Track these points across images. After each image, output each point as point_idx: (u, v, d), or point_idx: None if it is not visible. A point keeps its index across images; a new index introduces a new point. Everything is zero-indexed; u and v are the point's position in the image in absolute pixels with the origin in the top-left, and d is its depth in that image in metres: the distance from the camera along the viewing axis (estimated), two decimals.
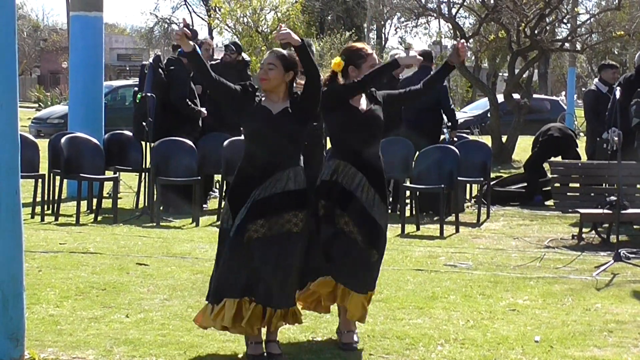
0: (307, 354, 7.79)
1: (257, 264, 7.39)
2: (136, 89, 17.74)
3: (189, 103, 16.29)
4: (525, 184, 18.60)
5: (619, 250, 12.28)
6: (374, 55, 7.98)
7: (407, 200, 16.15)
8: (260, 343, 7.54)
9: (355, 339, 8.04)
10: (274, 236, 7.40)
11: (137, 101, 16.78)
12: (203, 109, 16.54)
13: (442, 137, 18.21)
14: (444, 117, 17.72)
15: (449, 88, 57.00)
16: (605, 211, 13.26)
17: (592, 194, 14.61)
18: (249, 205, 7.41)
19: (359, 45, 8.07)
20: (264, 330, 7.63)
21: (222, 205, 7.57)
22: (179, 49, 17.41)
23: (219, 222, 15.06)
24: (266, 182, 7.44)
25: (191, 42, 7.57)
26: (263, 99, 7.70)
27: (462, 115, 44.78)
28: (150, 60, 17.56)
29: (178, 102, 16.19)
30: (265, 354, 7.52)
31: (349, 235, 7.85)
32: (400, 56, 7.74)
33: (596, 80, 18.65)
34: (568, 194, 14.86)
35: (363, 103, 8.01)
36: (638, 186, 14.64)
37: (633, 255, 12.59)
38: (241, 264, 7.44)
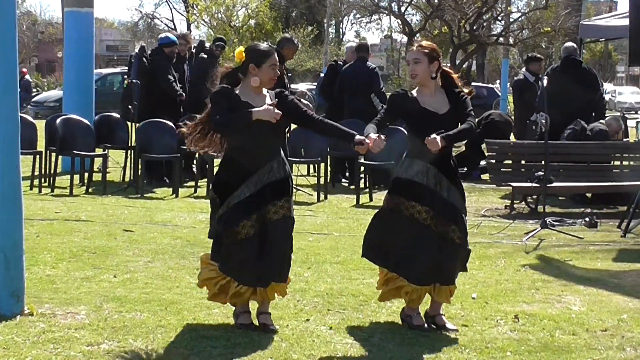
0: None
1: (248, 255, 7.09)
2: (125, 76, 17.81)
3: (174, 85, 16.28)
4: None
5: (545, 219, 12.35)
6: (274, 56, 7.33)
7: (362, 175, 16.17)
8: (248, 313, 7.34)
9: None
10: (259, 230, 7.09)
11: (125, 86, 16.79)
12: (182, 93, 16.54)
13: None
14: (375, 101, 17.49)
15: (399, 77, 57.07)
16: (534, 184, 13.33)
17: (523, 170, 14.69)
18: (233, 204, 7.08)
19: (263, 46, 7.49)
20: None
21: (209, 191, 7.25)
22: (161, 39, 17.42)
23: (196, 194, 15.06)
24: (254, 177, 7.11)
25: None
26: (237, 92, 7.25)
27: None
28: (136, 51, 17.59)
29: (165, 84, 16.20)
30: (252, 324, 7.31)
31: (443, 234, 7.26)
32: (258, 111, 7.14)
33: (524, 70, 18.74)
34: (502, 170, 14.92)
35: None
36: (562, 163, 14.71)
37: (557, 223, 12.68)
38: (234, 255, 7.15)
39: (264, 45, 7.50)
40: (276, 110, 6.95)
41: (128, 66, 17.92)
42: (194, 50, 18.35)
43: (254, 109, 6.94)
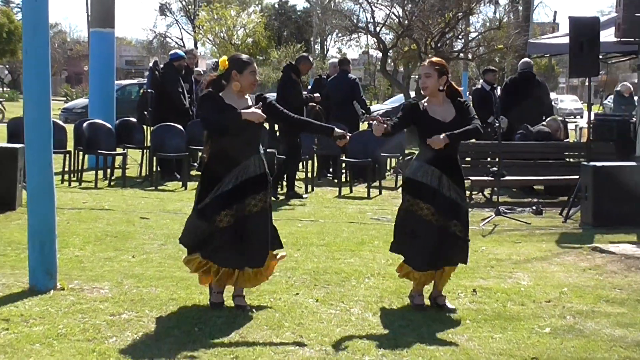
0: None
1: (226, 241, 6.89)
2: (144, 86, 17.97)
3: (180, 94, 16.30)
4: None
5: (499, 207, 12.38)
6: (254, 65, 7.19)
7: (343, 171, 16.19)
8: (221, 293, 7.15)
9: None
10: (238, 220, 6.88)
11: (140, 95, 16.85)
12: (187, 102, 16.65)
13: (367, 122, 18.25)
14: (357, 107, 17.55)
15: (375, 86, 56.92)
16: (489, 178, 13.35)
17: (480, 166, 14.70)
18: (217, 195, 6.88)
19: (244, 56, 7.24)
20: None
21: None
22: (171, 55, 17.43)
23: None
24: (234, 171, 6.89)
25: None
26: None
27: (384, 106, 44.84)
28: (151, 65, 17.64)
29: (173, 93, 16.22)
30: (224, 302, 7.13)
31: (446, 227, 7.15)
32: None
33: (482, 81, 18.80)
34: (462, 166, 14.91)
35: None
36: (513, 160, 14.74)
37: (509, 211, 12.72)
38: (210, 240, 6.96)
39: (244, 55, 7.31)
40: (261, 113, 6.90)
41: (147, 78, 18.03)
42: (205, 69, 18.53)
43: (243, 111, 6.84)
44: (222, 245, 6.89)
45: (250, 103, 7.07)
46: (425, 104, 7.28)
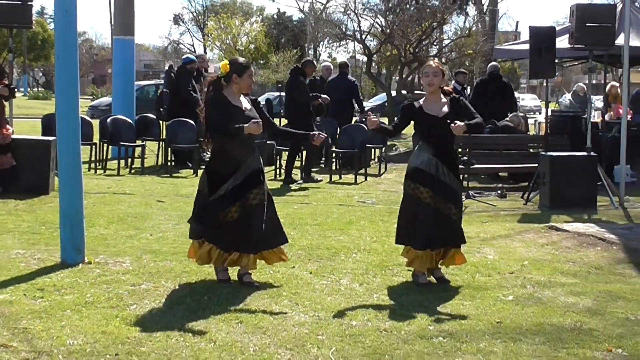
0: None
1: (230, 230, 6.76)
2: (162, 87, 18.10)
3: (191, 93, 16.26)
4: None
5: (469, 191, 12.40)
6: (251, 68, 7.10)
7: (334, 160, 16.18)
8: (227, 271, 7.01)
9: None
10: (242, 212, 6.75)
11: (158, 95, 16.89)
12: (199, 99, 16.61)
13: (354, 118, 18.31)
14: (355, 105, 17.75)
15: (360, 86, 56.96)
16: (460, 166, 13.33)
17: None
18: (224, 193, 6.71)
19: (243, 60, 7.09)
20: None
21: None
22: (184, 59, 17.43)
23: None
24: (240, 169, 6.75)
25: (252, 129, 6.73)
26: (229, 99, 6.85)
27: (368, 104, 44.86)
28: (166, 68, 17.67)
29: (184, 93, 16.18)
30: (230, 278, 6.99)
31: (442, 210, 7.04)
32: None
33: (453, 82, 18.80)
34: None
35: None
36: (482, 150, 14.74)
37: (477, 195, 12.73)
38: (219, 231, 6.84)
39: (243, 59, 7.16)
40: (260, 124, 6.75)
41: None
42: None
43: (245, 125, 6.64)
44: (227, 233, 6.80)
45: (247, 104, 6.93)
46: (421, 103, 7.25)
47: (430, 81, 7.18)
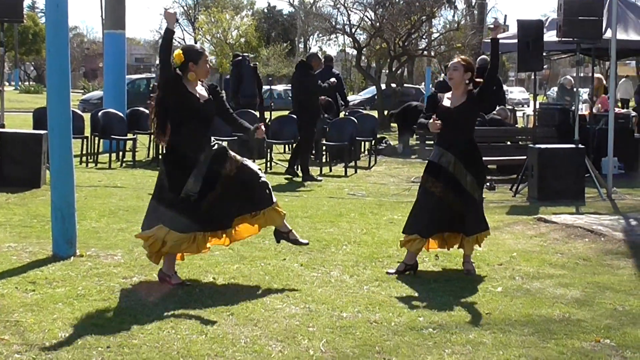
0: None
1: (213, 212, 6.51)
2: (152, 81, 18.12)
3: None
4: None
5: None
6: (206, 53, 6.73)
7: (324, 152, 16.17)
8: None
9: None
10: (215, 196, 6.44)
11: (150, 88, 16.86)
12: None
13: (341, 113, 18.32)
14: (339, 97, 17.79)
15: (351, 80, 56.82)
16: None
17: None
18: (198, 179, 6.41)
19: (197, 46, 6.77)
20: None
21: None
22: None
23: None
24: (201, 156, 6.44)
25: (175, 26, 6.55)
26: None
27: (358, 97, 44.97)
28: (157, 62, 17.71)
29: None
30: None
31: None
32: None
33: (443, 75, 18.83)
34: (426, 148, 14.92)
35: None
36: None
37: None
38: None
39: (197, 45, 6.81)
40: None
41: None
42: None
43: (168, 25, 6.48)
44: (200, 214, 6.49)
45: (203, 91, 6.63)
46: (446, 95, 7.29)
47: (450, 75, 7.26)
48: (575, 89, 14.42)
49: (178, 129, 6.53)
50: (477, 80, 7.28)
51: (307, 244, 7.19)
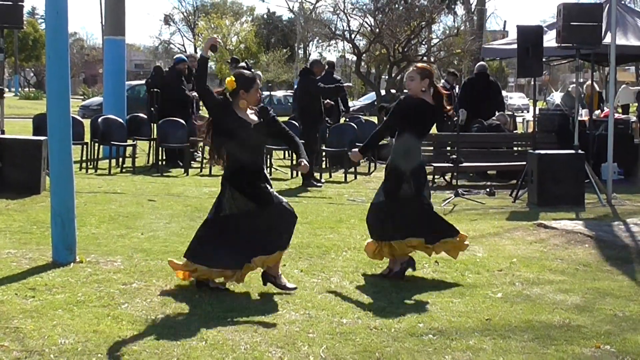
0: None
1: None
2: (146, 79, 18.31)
3: (184, 89, 16.30)
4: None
5: (458, 190, 12.41)
6: (258, 81, 6.83)
7: (324, 159, 16.18)
8: None
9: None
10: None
11: (149, 94, 16.97)
12: (194, 93, 16.67)
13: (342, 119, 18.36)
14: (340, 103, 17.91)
15: (350, 86, 56.90)
16: (449, 164, 13.37)
17: (441, 154, 14.71)
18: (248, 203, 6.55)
19: (248, 74, 6.74)
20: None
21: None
22: (175, 59, 17.44)
23: (201, 173, 15.01)
24: (255, 181, 6.58)
25: (210, 52, 6.66)
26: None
27: (358, 103, 45.04)
28: (153, 67, 17.74)
29: (178, 92, 16.22)
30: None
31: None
32: None
33: (443, 80, 18.82)
34: (425, 154, 14.90)
35: None
36: (470, 149, 14.76)
37: (466, 193, 12.74)
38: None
39: (248, 73, 6.84)
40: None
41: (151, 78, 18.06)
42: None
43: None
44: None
45: (254, 117, 6.63)
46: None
47: (407, 85, 7.30)
48: (581, 94, 14.42)
49: (232, 153, 6.58)
50: (439, 87, 7.29)
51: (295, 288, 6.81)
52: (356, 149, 7.55)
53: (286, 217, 6.69)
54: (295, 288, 6.69)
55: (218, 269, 6.52)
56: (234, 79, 6.58)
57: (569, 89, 20.50)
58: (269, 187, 6.69)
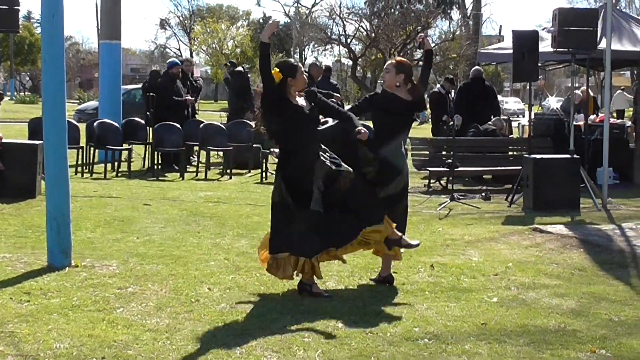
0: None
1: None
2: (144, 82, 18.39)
3: (174, 97, 16.36)
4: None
5: (453, 194, 12.41)
6: (300, 65, 6.91)
7: None
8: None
9: None
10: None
11: (145, 98, 17.03)
12: (189, 97, 16.62)
13: None
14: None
15: (346, 90, 56.96)
16: (445, 169, 13.37)
17: (437, 158, 14.71)
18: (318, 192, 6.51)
19: (291, 61, 6.92)
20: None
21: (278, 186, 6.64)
22: (169, 63, 17.47)
23: (197, 177, 15.00)
24: (316, 167, 6.54)
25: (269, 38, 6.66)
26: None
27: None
28: (150, 71, 17.76)
29: (167, 99, 16.25)
30: None
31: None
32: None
33: (438, 85, 18.84)
34: (421, 158, 14.92)
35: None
36: (465, 153, 14.77)
37: (462, 197, 12.74)
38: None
39: (290, 60, 6.98)
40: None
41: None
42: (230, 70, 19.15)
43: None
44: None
45: (304, 102, 6.71)
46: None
47: (382, 77, 7.39)
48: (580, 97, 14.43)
49: (290, 142, 6.62)
50: (416, 83, 7.24)
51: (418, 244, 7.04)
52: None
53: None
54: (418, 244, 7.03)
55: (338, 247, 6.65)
56: (278, 69, 6.62)
57: (571, 97, 20.53)
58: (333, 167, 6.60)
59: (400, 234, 6.88)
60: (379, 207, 6.76)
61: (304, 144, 6.59)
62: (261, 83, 6.76)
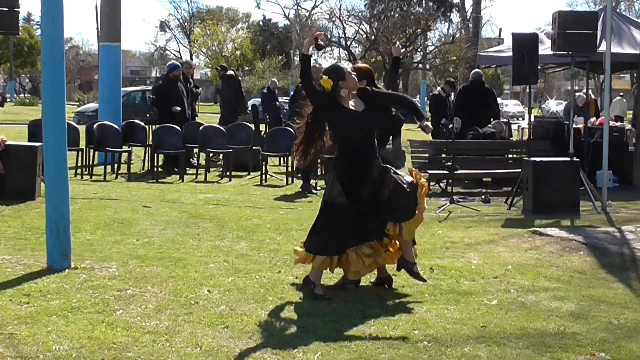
0: None
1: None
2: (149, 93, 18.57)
3: (168, 101, 16.48)
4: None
5: (453, 197, 12.41)
6: (348, 67, 6.95)
7: (319, 165, 16.14)
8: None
9: None
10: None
11: (148, 99, 17.19)
12: (177, 107, 16.52)
13: None
14: None
15: None
16: (444, 172, 13.37)
17: (436, 161, 14.71)
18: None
19: (337, 65, 6.88)
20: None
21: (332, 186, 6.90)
22: (168, 66, 17.50)
23: (197, 179, 14.99)
24: (372, 169, 6.71)
25: (311, 50, 6.81)
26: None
27: None
28: (157, 75, 17.89)
29: (163, 102, 16.31)
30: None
31: None
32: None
33: (439, 88, 18.86)
34: (421, 161, 14.92)
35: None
36: (465, 156, 14.77)
37: (461, 200, 12.75)
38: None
39: (337, 64, 7.00)
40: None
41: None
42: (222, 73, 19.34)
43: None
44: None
45: (358, 101, 6.79)
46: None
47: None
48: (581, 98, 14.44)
49: (346, 146, 6.74)
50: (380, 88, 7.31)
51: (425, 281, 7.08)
52: None
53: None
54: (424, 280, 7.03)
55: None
56: (327, 76, 6.70)
57: (576, 99, 20.54)
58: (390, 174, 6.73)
59: (415, 260, 7.03)
60: (413, 206, 6.88)
61: (360, 144, 6.70)
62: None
